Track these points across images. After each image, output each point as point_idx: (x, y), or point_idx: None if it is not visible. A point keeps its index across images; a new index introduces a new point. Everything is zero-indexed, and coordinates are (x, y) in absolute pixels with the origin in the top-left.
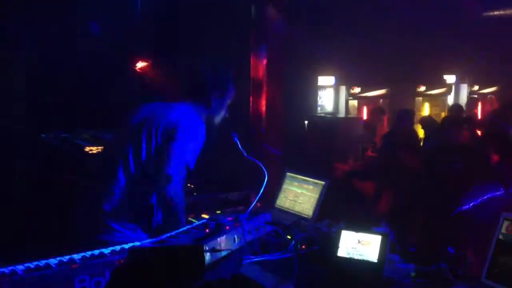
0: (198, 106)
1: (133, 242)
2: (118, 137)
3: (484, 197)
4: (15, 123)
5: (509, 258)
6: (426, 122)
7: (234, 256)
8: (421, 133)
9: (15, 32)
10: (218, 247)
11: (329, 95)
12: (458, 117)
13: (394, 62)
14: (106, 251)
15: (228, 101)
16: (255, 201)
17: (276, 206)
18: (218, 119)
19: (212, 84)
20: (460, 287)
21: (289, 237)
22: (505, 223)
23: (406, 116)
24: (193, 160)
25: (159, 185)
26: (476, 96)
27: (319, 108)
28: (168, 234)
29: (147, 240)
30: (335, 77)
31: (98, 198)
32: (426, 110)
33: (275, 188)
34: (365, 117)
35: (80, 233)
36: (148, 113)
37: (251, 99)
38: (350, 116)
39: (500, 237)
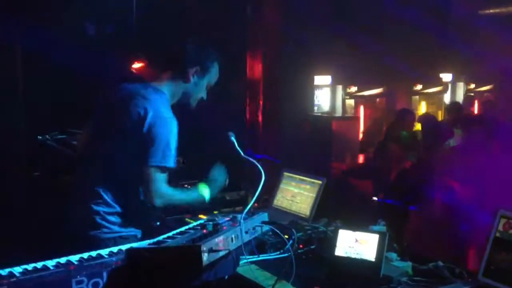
0: (175, 82)
1: (121, 235)
2: (89, 136)
3: None
4: (13, 125)
5: (506, 256)
6: (425, 120)
7: (232, 256)
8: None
9: (10, 32)
10: (215, 248)
11: (325, 94)
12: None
13: (390, 61)
14: (104, 252)
15: (208, 83)
16: (253, 201)
17: (273, 206)
18: (194, 98)
19: (191, 57)
20: (457, 285)
21: (286, 236)
22: (502, 221)
23: (407, 116)
24: (170, 155)
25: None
26: (472, 94)
27: (315, 108)
28: (166, 235)
29: (145, 241)
30: (332, 76)
31: (84, 196)
32: (422, 108)
33: (272, 188)
34: (362, 116)
35: (69, 231)
36: (114, 108)
37: (247, 99)
38: (347, 115)
39: (497, 234)
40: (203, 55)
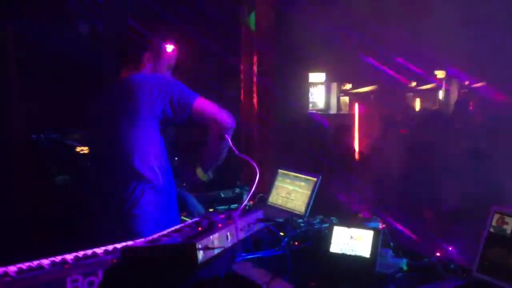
0: (140, 73)
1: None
2: (99, 133)
3: None
4: (8, 124)
5: (500, 251)
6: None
7: (227, 253)
8: None
9: (3, 31)
10: (210, 245)
11: (320, 91)
12: None
13: (384, 57)
14: (99, 250)
15: (168, 64)
16: (247, 199)
17: (268, 203)
18: None
19: (138, 46)
20: (452, 281)
21: (281, 234)
22: (496, 216)
23: None
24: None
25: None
26: (466, 91)
27: (310, 105)
28: (161, 233)
29: (140, 239)
30: (326, 74)
31: (112, 201)
32: (417, 105)
33: (267, 185)
34: (356, 113)
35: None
36: (116, 98)
37: (242, 97)
38: (342, 112)
39: (491, 230)
40: (149, 40)
